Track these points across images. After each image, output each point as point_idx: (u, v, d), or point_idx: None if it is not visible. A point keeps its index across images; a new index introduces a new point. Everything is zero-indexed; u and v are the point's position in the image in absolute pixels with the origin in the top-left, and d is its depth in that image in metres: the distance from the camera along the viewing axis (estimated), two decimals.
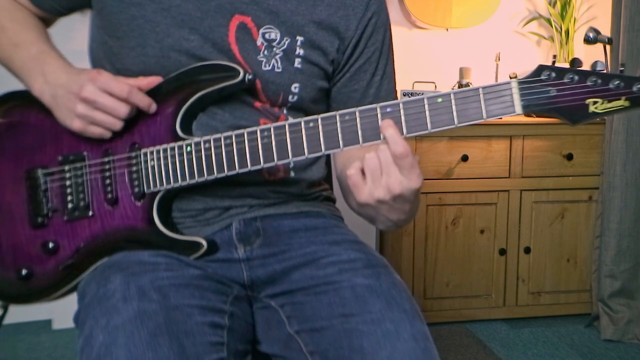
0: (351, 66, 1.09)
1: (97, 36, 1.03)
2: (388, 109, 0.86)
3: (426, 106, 0.85)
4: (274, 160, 0.90)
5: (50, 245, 0.98)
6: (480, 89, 0.83)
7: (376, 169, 0.84)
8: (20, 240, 1.00)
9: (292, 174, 1.06)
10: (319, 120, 0.88)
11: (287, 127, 0.89)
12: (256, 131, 0.91)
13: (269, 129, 0.90)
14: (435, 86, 2.62)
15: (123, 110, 0.94)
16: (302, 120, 0.89)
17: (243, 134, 0.91)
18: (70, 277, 0.99)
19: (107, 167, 0.98)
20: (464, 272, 2.50)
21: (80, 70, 0.97)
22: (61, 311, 2.43)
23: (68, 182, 0.99)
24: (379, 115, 0.86)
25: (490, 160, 2.44)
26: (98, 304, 0.88)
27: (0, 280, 1.01)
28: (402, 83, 2.68)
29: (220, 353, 0.86)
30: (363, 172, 0.86)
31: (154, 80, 0.97)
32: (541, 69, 0.82)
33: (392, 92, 1.15)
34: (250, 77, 0.97)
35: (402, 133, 0.85)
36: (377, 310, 0.89)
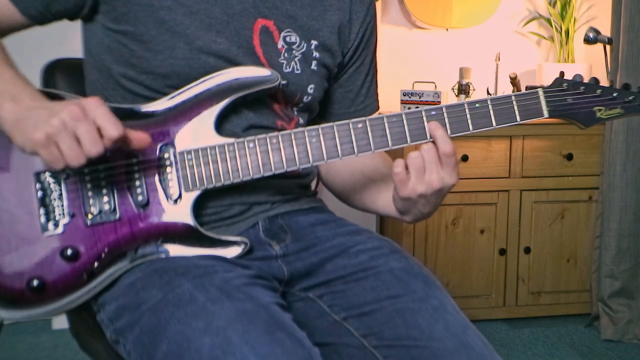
0: (350, 67, 1.15)
1: (105, 40, 1.01)
2: (433, 112, 0.95)
3: (467, 110, 0.96)
4: (323, 159, 0.96)
5: (69, 252, 0.93)
6: (513, 96, 0.96)
7: (420, 166, 0.93)
8: (31, 248, 0.93)
9: (301, 167, 1.08)
10: (367, 122, 0.96)
11: (335, 127, 0.96)
12: (304, 132, 0.95)
13: (316, 129, 0.96)
14: (435, 86, 2.62)
15: (97, 148, 0.83)
16: (350, 122, 0.96)
17: (290, 134, 0.95)
18: (89, 285, 0.94)
19: (135, 168, 0.95)
20: (464, 272, 2.50)
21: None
22: None
23: (89, 185, 0.94)
24: (424, 118, 0.95)
25: (490, 160, 2.44)
26: (177, 308, 0.85)
27: (6, 293, 0.93)
28: (402, 83, 2.68)
29: (314, 347, 0.86)
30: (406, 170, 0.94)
31: (144, 140, 0.90)
32: (559, 81, 0.97)
33: (376, 89, 1.22)
34: (284, 82, 1.03)
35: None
36: (421, 289, 0.96)
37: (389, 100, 2.58)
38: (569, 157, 2.48)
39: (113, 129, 0.83)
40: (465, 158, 2.41)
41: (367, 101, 1.19)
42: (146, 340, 0.87)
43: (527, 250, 2.52)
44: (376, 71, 1.20)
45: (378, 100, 1.22)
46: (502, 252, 2.50)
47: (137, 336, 0.89)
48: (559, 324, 2.56)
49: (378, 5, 2.52)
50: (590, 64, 2.65)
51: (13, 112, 0.86)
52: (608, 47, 2.18)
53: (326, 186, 1.21)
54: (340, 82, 1.16)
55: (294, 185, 1.10)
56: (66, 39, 1.79)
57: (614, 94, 0.96)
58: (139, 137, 0.88)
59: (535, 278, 2.54)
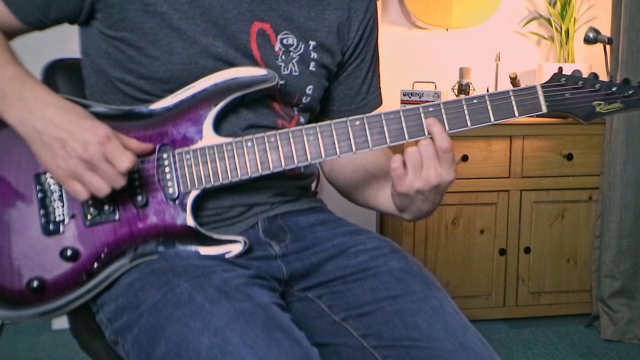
0: (350, 65, 1.15)
1: (102, 45, 1.01)
2: (430, 109, 0.96)
3: (464, 106, 0.96)
4: (321, 157, 0.96)
5: (69, 252, 0.93)
6: (511, 92, 0.96)
7: (417, 162, 0.93)
8: (31, 249, 0.93)
9: (302, 167, 1.09)
10: (365, 119, 0.95)
11: (332, 125, 0.95)
12: (302, 130, 0.95)
13: (314, 128, 0.95)
14: (435, 86, 2.62)
15: (120, 183, 0.89)
16: (348, 120, 0.95)
17: (288, 133, 0.95)
18: (89, 285, 0.94)
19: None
20: (464, 272, 2.50)
21: (77, 112, 0.90)
22: None
23: None
24: (422, 115, 0.96)
25: (490, 160, 2.44)
26: (175, 308, 0.85)
27: (6, 293, 0.93)
28: (402, 83, 2.68)
29: (312, 347, 0.86)
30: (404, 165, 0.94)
31: (148, 148, 0.95)
32: (557, 76, 0.96)
33: (378, 85, 1.22)
34: (282, 82, 1.03)
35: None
36: (420, 290, 0.96)
37: (389, 100, 2.56)
38: (569, 157, 2.48)
39: (125, 163, 0.88)
40: (465, 158, 2.41)
41: (369, 97, 1.19)
42: (145, 340, 0.87)
43: (527, 250, 2.52)
44: (378, 67, 1.20)
45: (381, 95, 1.22)
46: (502, 252, 2.50)
47: (135, 336, 0.89)
48: (559, 324, 2.56)
49: (378, 5, 2.52)
50: (590, 64, 2.65)
51: (20, 125, 0.89)
52: (608, 47, 2.17)
53: (329, 182, 1.21)
54: (341, 80, 1.16)
55: (294, 187, 1.10)
56: (66, 39, 1.79)
57: (614, 89, 0.95)
58: (143, 147, 0.92)
59: (535, 278, 2.54)
